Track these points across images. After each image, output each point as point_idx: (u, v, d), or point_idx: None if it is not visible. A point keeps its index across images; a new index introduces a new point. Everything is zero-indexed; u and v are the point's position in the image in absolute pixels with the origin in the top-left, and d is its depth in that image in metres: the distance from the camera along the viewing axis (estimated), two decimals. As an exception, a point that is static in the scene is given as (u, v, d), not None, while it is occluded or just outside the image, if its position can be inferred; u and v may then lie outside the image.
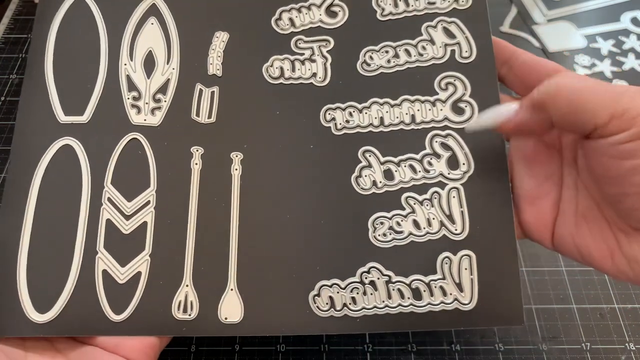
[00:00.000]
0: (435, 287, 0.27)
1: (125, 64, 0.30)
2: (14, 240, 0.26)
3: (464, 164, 0.29)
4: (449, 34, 0.31)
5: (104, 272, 0.26)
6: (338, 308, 0.27)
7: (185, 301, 0.26)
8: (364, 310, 0.27)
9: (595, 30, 0.49)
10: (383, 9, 0.32)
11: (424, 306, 0.27)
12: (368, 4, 0.32)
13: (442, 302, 0.27)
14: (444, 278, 0.27)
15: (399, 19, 0.32)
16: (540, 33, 0.49)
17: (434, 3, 0.32)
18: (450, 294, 0.27)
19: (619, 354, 0.33)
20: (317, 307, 0.27)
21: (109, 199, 0.27)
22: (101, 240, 0.27)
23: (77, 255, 0.26)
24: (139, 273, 0.26)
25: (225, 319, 0.26)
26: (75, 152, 0.28)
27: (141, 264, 0.27)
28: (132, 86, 0.29)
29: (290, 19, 0.32)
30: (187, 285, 0.27)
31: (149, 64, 0.30)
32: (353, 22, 0.32)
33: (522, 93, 0.30)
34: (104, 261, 0.26)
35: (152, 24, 0.31)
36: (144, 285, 0.26)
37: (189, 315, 0.26)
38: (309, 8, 0.32)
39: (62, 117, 0.28)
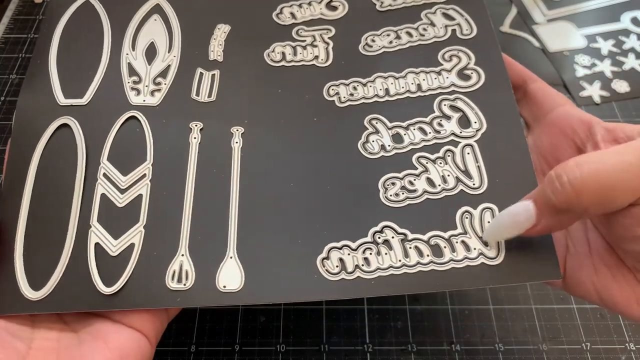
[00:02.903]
0: (457, 242, 0.26)
1: (127, 54, 0.30)
2: (12, 219, 0.26)
3: (475, 122, 0.29)
4: (448, 17, 0.32)
5: (97, 245, 0.26)
6: (350, 270, 0.26)
7: (180, 271, 0.25)
8: (378, 271, 0.25)
9: (595, 30, 0.49)
10: (382, 2, 0.33)
11: (446, 262, 0.25)
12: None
13: (465, 258, 0.25)
14: (465, 233, 0.26)
15: (398, 8, 0.33)
16: (540, 33, 0.49)
17: None
18: (475, 249, 0.26)
19: (619, 354, 0.33)
20: (327, 270, 0.26)
21: (104, 174, 0.27)
22: (94, 214, 0.26)
23: (71, 231, 0.26)
24: (132, 245, 0.26)
25: (224, 287, 0.25)
26: (72, 131, 0.28)
27: (134, 235, 0.26)
28: (132, 72, 0.30)
29: (292, 13, 0.33)
30: (182, 255, 0.26)
31: (151, 53, 0.30)
32: (353, 13, 0.33)
33: (528, 121, 0.30)
34: (97, 234, 0.26)
35: (155, 20, 0.32)
36: (137, 256, 0.26)
37: (184, 285, 0.25)
38: (309, 4, 0.33)
39: (61, 100, 0.29)
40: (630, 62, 0.46)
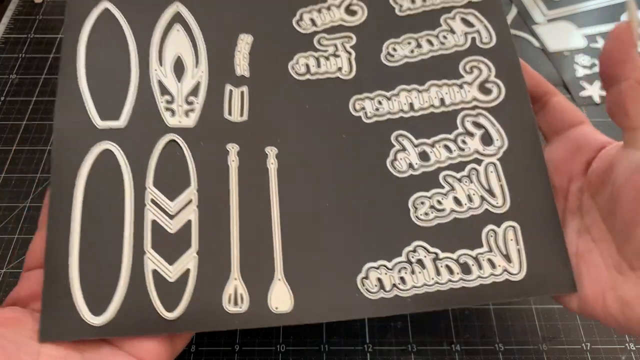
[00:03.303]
0: (483, 260, 0.27)
1: (155, 70, 0.30)
2: (63, 247, 0.26)
3: (497, 139, 0.29)
4: (467, 23, 0.32)
5: (154, 271, 0.26)
6: (387, 289, 0.27)
7: (235, 294, 0.26)
8: (414, 289, 0.27)
9: (595, 30, 0.49)
10: (401, 6, 0.33)
11: (474, 279, 0.27)
12: (386, 2, 0.33)
13: (491, 275, 0.27)
14: (490, 250, 0.28)
15: (418, 13, 0.33)
16: (541, 33, 0.49)
17: None
18: (499, 266, 0.27)
19: (619, 354, 0.33)
20: (367, 289, 0.27)
21: (152, 200, 0.28)
22: (148, 240, 0.27)
23: (127, 257, 0.26)
24: (188, 270, 0.27)
25: (276, 308, 0.26)
26: (115, 157, 0.28)
27: (189, 261, 0.27)
28: (164, 90, 0.30)
29: (312, 19, 0.32)
30: (235, 279, 0.27)
31: (179, 68, 0.30)
32: (373, 18, 0.33)
33: (546, 134, 0.30)
34: (153, 261, 0.27)
35: (178, 30, 0.31)
36: (194, 281, 0.26)
37: (240, 308, 0.26)
38: (328, 9, 0.33)
39: (99, 123, 0.29)
40: (630, 62, 0.46)
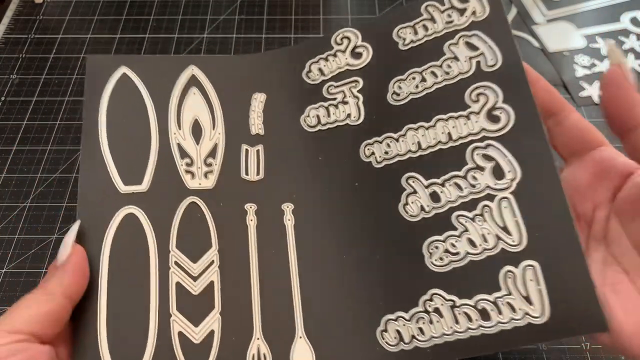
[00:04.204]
0: (502, 304, 0.26)
1: (174, 133, 0.31)
2: (92, 310, 0.27)
3: (509, 171, 0.28)
4: (471, 47, 0.31)
5: (180, 333, 0.27)
6: (407, 341, 0.27)
7: (258, 354, 0.27)
8: (433, 339, 0.26)
9: (595, 30, 0.49)
10: (404, 39, 0.32)
11: (494, 326, 0.26)
12: (389, 38, 0.32)
13: (512, 319, 0.25)
14: (509, 293, 0.26)
15: (421, 44, 0.32)
16: (540, 33, 0.49)
17: (451, 21, 0.31)
18: (520, 309, 0.25)
19: (619, 355, 0.33)
20: (386, 342, 0.27)
21: (176, 263, 0.28)
22: (173, 303, 0.27)
23: (153, 320, 0.27)
24: (212, 331, 0.27)
25: None
26: (139, 220, 0.29)
27: (213, 322, 0.27)
28: (183, 153, 0.31)
29: (319, 69, 0.33)
30: (257, 338, 0.27)
31: (197, 131, 0.31)
32: (378, 58, 0.33)
33: (564, 154, 0.29)
34: (179, 323, 0.27)
35: (194, 93, 0.32)
36: (219, 342, 0.27)
37: None
38: (334, 55, 0.33)
39: (122, 188, 0.29)
40: (630, 62, 0.46)
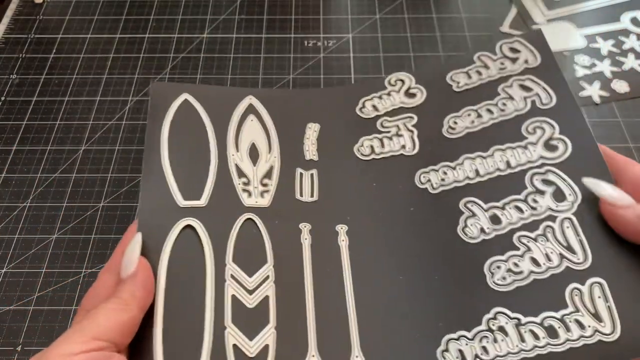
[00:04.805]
0: (570, 321, 0.25)
1: (233, 155, 0.32)
2: (148, 321, 0.27)
3: (570, 195, 0.28)
4: (525, 88, 0.32)
5: (234, 346, 0.27)
6: None
7: None
8: (497, 358, 0.26)
9: (595, 30, 0.49)
10: (458, 82, 0.34)
11: (563, 343, 0.25)
12: (443, 81, 0.34)
13: (581, 337, 0.25)
14: (577, 310, 0.26)
15: (475, 87, 0.33)
16: (540, 33, 0.49)
17: (504, 68, 0.33)
18: (589, 326, 0.25)
19: (619, 354, 0.33)
20: None
21: (232, 275, 0.28)
22: (229, 315, 0.27)
23: (208, 332, 0.27)
24: (267, 346, 0.27)
25: None
26: (197, 232, 0.29)
27: (268, 336, 0.27)
28: (241, 173, 0.32)
29: (373, 105, 0.34)
30: (312, 355, 0.27)
31: (254, 154, 0.33)
32: (432, 98, 0.34)
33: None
34: (234, 335, 0.27)
35: (252, 120, 0.33)
36: (273, 358, 0.27)
37: None
38: (388, 94, 0.35)
39: (181, 202, 0.30)
40: (630, 62, 0.46)
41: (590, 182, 0.27)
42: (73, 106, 0.45)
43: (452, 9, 0.52)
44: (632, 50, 0.47)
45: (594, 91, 0.45)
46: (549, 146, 0.30)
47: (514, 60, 0.33)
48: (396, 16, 0.51)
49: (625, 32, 0.48)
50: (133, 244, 0.27)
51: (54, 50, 0.49)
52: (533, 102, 0.32)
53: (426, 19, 0.51)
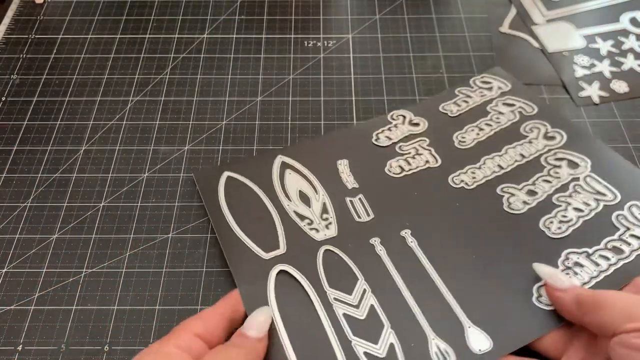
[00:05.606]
0: (627, 237, 0.34)
1: (287, 205, 0.37)
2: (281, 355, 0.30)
3: (581, 161, 0.38)
4: (509, 105, 0.42)
5: (366, 353, 0.30)
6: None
7: (439, 350, 0.30)
8: (583, 285, 0.32)
9: (594, 30, 0.49)
10: (451, 110, 0.42)
11: (629, 254, 0.33)
12: (437, 111, 0.42)
13: None
14: (628, 229, 0.34)
15: (466, 111, 0.42)
16: (540, 33, 0.49)
17: (484, 95, 0.43)
18: None
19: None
20: (545, 304, 0.31)
21: (335, 298, 0.32)
22: (348, 330, 0.31)
23: (338, 351, 0.30)
24: (392, 344, 0.31)
25: (479, 350, 0.30)
26: (290, 273, 0.33)
27: (389, 336, 0.31)
28: (302, 217, 0.36)
29: (387, 136, 0.41)
30: (433, 339, 0.31)
31: (304, 199, 0.38)
32: (434, 124, 0.41)
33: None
34: (361, 345, 0.31)
35: (290, 173, 0.39)
36: (402, 351, 0.30)
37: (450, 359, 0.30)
38: (395, 127, 0.41)
39: (265, 255, 0.35)
40: (629, 62, 0.46)
41: (535, 265, 0.32)
42: (74, 106, 0.45)
43: (451, 9, 0.52)
44: (631, 50, 0.47)
45: (593, 91, 0.45)
46: (548, 137, 0.40)
47: (489, 89, 0.43)
48: (396, 16, 0.51)
49: (625, 33, 0.48)
50: (263, 316, 0.30)
51: (55, 51, 0.49)
52: (520, 112, 0.41)
53: (426, 19, 0.51)
